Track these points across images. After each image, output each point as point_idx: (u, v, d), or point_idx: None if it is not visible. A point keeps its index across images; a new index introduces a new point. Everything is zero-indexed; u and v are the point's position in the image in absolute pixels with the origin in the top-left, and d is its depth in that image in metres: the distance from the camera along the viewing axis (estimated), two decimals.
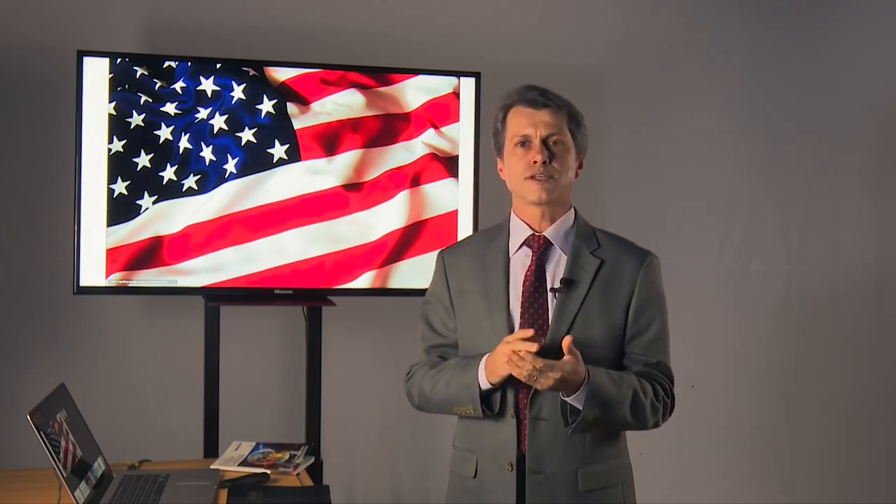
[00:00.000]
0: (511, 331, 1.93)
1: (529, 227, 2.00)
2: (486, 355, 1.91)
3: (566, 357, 1.81)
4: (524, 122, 1.96)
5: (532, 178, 1.94)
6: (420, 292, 2.95)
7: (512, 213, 2.05)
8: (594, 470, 1.95)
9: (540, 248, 1.99)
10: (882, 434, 3.92)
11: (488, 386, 1.91)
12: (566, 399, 1.86)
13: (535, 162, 1.93)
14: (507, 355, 1.81)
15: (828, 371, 3.85)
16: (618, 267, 1.98)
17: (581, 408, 1.85)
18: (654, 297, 2.00)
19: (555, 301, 1.95)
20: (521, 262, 2.00)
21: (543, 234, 2.00)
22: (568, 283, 1.95)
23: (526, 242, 2.00)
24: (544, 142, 1.95)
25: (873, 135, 3.86)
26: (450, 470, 2.10)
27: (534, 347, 1.79)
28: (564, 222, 2.01)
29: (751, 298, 3.77)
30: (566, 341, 1.82)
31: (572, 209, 2.04)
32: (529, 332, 1.82)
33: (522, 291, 1.96)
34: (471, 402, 1.92)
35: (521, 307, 1.96)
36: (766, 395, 3.79)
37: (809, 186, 3.80)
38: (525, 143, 1.96)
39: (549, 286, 1.97)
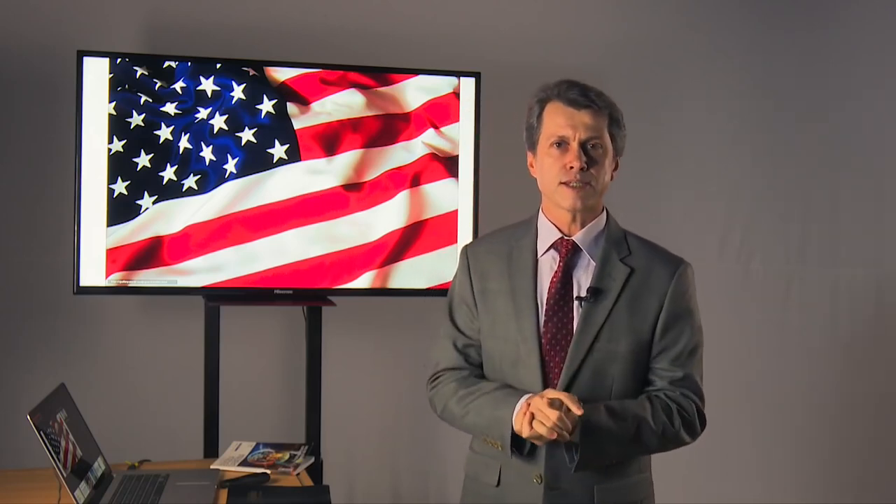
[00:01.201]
0: (539, 336, 1.88)
1: (558, 229, 1.93)
2: (525, 396, 1.82)
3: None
4: (562, 122, 1.87)
5: (567, 184, 1.86)
6: (420, 292, 3.00)
7: (541, 211, 1.97)
8: (612, 486, 1.90)
9: (568, 253, 1.91)
10: (882, 434, 3.91)
11: None
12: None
13: (573, 167, 1.85)
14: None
15: (828, 371, 3.84)
16: (648, 276, 1.91)
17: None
18: (684, 311, 1.92)
19: (580, 310, 1.88)
20: (548, 264, 1.93)
21: (572, 238, 1.92)
22: (595, 292, 1.88)
23: (554, 246, 1.93)
24: (583, 145, 1.86)
25: (873, 135, 3.86)
26: (465, 473, 2.04)
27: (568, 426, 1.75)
28: (595, 226, 1.93)
29: (751, 299, 3.77)
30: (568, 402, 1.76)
31: (604, 212, 1.97)
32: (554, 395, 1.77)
33: (547, 299, 1.90)
34: (500, 440, 1.85)
35: (545, 315, 1.89)
36: (765, 396, 3.78)
37: (809, 186, 3.80)
38: (562, 144, 1.87)
39: (575, 294, 1.89)
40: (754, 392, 3.78)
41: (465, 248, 2.05)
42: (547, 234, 1.94)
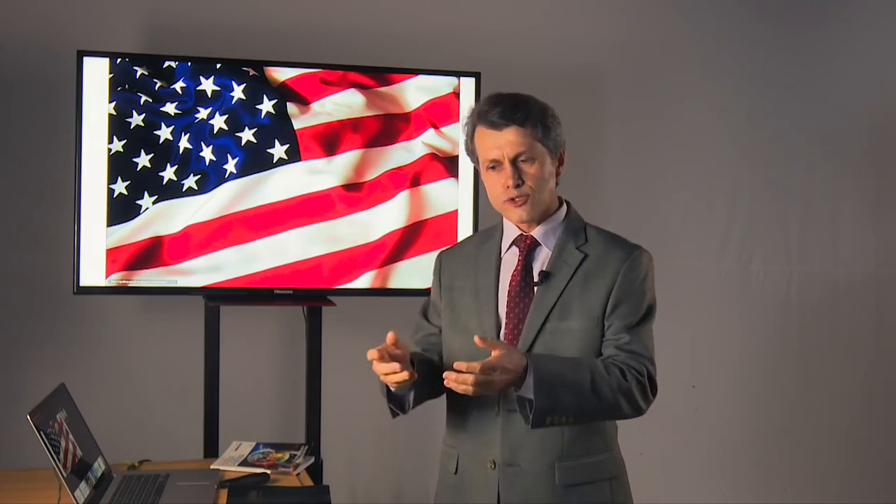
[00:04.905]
0: (499, 327, 1.93)
1: (519, 228, 2.00)
2: None
3: (493, 354, 1.75)
4: (490, 145, 1.92)
5: (510, 201, 1.92)
6: (420, 292, 2.99)
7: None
8: (574, 464, 1.90)
9: (527, 247, 1.98)
10: (882, 434, 3.92)
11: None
12: (519, 393, 1.80)
13: (509, 186, 1.91)
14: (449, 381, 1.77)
15: (828, 371, 3.84)
16: (603, 260, 1.94)
17: (533, 398, 1.77)
18: (637, 291, 1.93)
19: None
20: (511, 261, 1.99)
21: (531, 234, 1.99)
22: (546, 275, 1.93)
23: (515, 242, 2.00)
24: (514, 162, 1.91)
25: (873, 135, 3.86)
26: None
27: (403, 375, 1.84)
28: (553, 220, 1.99)
29: (751, 299, 3.77)
30: (477, 341, 1.75)
31: (564, 206, 2.02)
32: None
33: (509, 291, 1.96)
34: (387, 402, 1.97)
35: (507, 307, 1.95)
36: (766, 396, 3.79)
37: (809, 187, 3.81)
38: (496, 166, 1.93)
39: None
40: (753, 392, 3.78)
41: (440, 254, 2.15)
42: (510, 233, 2.02)
